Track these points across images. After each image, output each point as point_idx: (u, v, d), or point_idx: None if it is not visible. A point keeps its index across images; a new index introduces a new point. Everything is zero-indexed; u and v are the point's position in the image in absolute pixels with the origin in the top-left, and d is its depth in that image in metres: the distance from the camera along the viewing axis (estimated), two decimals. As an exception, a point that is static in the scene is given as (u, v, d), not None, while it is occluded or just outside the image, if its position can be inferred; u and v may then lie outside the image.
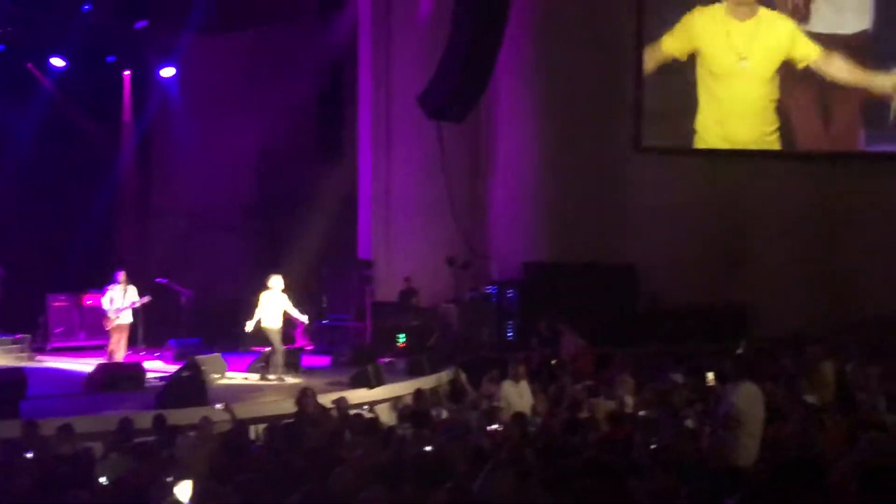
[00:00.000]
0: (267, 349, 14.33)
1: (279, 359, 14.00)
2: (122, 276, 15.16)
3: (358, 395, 12.49)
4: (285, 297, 14.26)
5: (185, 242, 19.84)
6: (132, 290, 15.16)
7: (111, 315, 14.98)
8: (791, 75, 20.36)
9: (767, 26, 20.38)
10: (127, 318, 15.18)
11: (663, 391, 11.60)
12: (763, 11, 20.34)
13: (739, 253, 19.97)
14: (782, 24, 20.35)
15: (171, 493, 6.77)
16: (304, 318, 14.99)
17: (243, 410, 11.18)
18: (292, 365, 14.57)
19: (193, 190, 20.65)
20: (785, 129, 20.52)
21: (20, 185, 18.31)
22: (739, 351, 15.06)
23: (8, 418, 10.40)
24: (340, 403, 10.99)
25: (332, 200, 19.89)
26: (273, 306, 14.11)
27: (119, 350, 15.08)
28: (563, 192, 19.39)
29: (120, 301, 15.01)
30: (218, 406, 10.97)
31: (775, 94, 20.38)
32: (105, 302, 15.09)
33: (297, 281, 18.89)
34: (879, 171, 20.64)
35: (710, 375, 10.91)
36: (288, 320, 14.51)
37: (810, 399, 10.87)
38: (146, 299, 15.24)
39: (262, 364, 14.25)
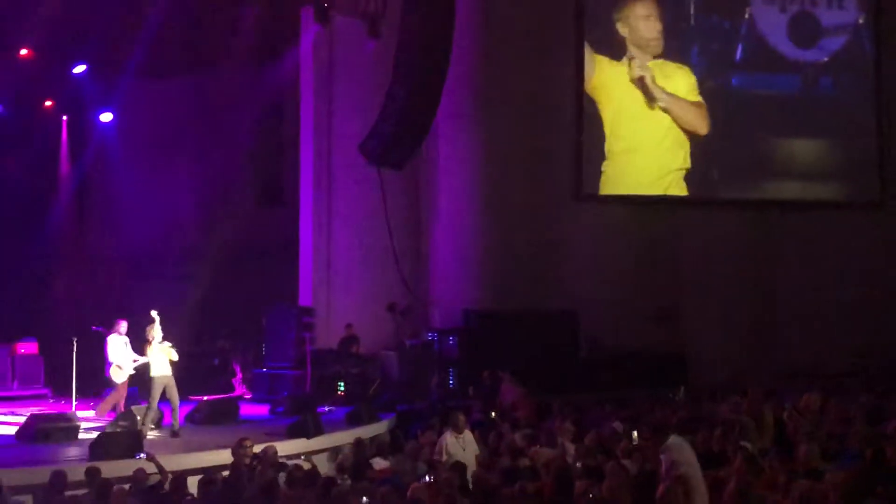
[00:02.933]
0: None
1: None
2: (124, 325, 14.42)
3: (296, 445, 12.30)
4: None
5: (122, 289, 19.52)
6: (128, 342, 14.45)
7: (123, 367, 14.18)
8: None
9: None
10: (129, 372, 14.38)
11: (605, 439, 11.56)
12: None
13: (675, 300, 20.21)
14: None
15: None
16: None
17: (176, 462, 10.95)
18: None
19: (131, 236, 20.39)
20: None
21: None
22: (679, 397, 15.22)
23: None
24: (267, 452, 10.74)
25: (272, 247, 19.76)
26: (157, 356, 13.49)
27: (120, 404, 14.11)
28: (503, 239, 19.47)
29: (127, 352, 14.29)
30: (141, 456, 10.73)
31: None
32: (112, 354, 14.30)
33: (236, 328, 18.77)
34: (810, 218, 21.12)
35: (635, 432, 10.97)
36: (226, 368, 14.27)
37: (748, 445, 10.91)
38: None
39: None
